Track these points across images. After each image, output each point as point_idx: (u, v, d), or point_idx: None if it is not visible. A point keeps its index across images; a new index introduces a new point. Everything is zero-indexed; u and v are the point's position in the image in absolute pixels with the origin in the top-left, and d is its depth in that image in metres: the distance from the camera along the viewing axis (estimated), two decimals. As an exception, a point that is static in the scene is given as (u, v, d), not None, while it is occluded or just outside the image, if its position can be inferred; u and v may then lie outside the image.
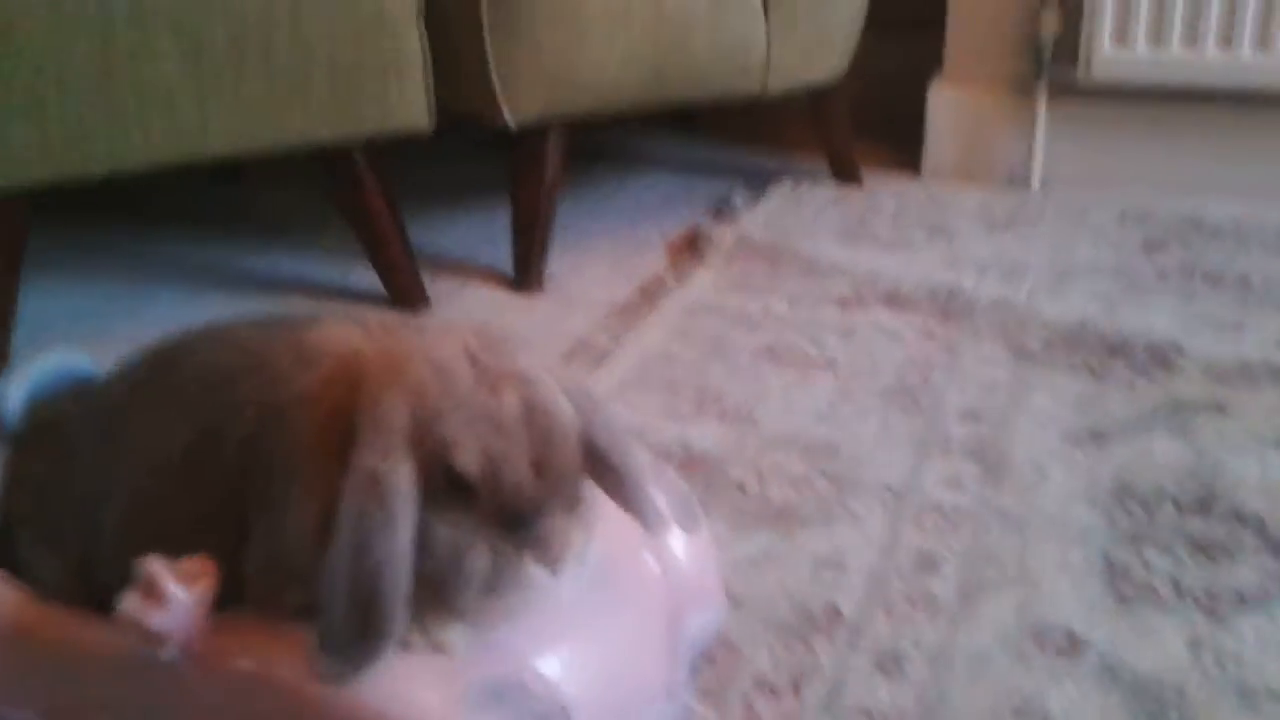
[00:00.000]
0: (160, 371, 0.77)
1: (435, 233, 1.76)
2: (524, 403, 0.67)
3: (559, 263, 1.64)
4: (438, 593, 0.67)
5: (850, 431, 1.22)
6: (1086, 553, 1.02)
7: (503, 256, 1.63)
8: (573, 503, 0.69)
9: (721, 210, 1.84)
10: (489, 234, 1.67)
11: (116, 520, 0.74)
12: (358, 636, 0.65)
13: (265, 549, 0.69)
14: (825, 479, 1.13)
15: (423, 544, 0.66)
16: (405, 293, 1.52)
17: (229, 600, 0.70)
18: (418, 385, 0.66)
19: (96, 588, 0.72)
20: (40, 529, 0.78)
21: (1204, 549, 1.02)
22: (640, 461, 0.75)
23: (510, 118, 1.51)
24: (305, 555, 0.67)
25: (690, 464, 1.16)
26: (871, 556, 1.02)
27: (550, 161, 1.57)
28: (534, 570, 0.67)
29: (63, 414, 0.81)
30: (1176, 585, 0.98)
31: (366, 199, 1.48)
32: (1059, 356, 1.36)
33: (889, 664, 0.90)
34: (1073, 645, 0.91)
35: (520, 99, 1.50)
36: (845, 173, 1.98)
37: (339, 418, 0.67)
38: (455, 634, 0.68)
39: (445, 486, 0.66)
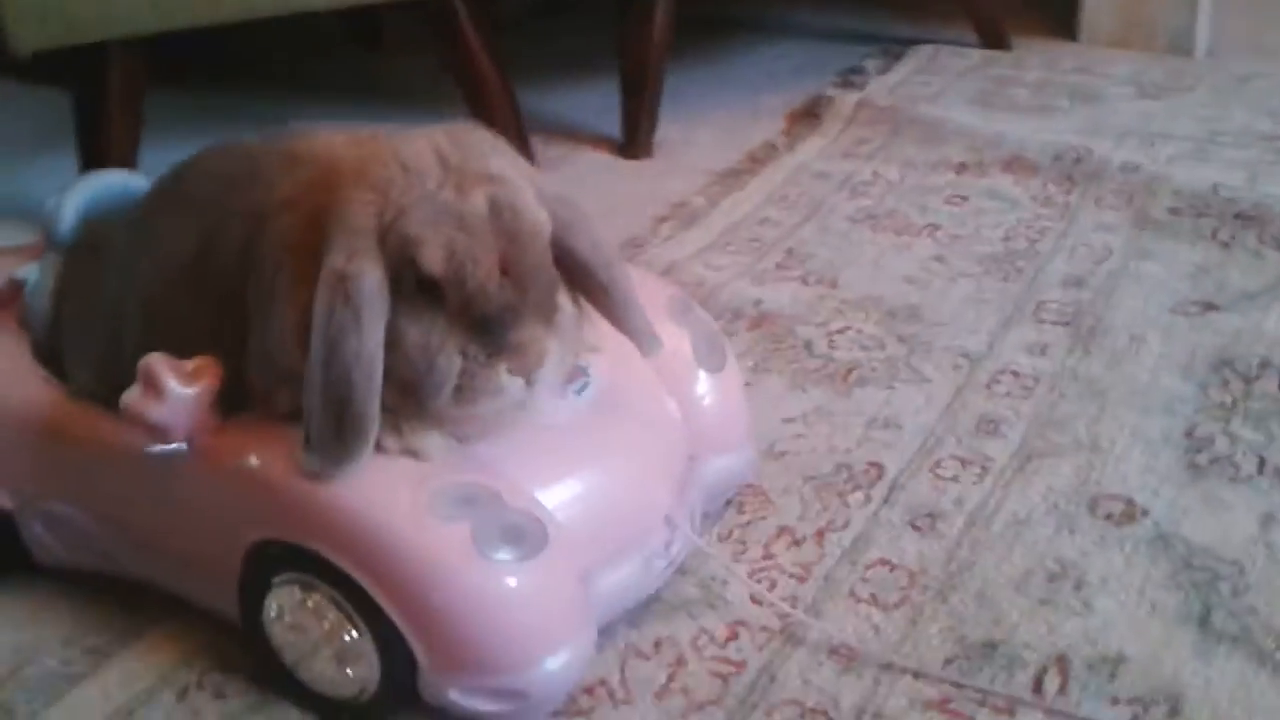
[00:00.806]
0: (177, 182, 0.79)
1: (549, 101, 1.74)
2: (491, 201, 0.66)
3: (673, 130, 1.60)
4: (413, 396, 0.66)
5: (937, 296, 1.16)
6: (1168, 423, 0.94)
7: (615, 125, 1.60)
8: (546, 309, 0.67)
9: (850, 77, 1.76)
10: (605, 103, 1.63)
11: (134, 323, 0.76)
12: (333, 437, 0.65)
13: (259, 351, 0.70)
14: (898, 341, 1.08)
15: (393, 345, 0.65)
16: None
17: (239, 403, 0.72)
18: (384, 185, 0.65)
19: (119, 388, 0.74)
20: (75, 333, 0.81)
21: (1301, 423, 0.93)
22: (627, 277, 0.73)
23: (614, -26, 1.47)
24: (290, 356, 0.67)
25: (759, 321, 1.12)
26: (930, 417, 0.97)
27: (658, 23, 1.52)
28: (507, 378, 0.66)
29: (107, 226, 0.84)
30: (1261, 461, 0.89)
31: (470, 55, 1.46)
32: (1184, 223, 1.26)
33: (922, 521, 0.86)
34: (1129, 513, 0.85)
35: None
36: (991, 38, 1.86)
37: (316, 220, 0.67)
38: (430, 440, 0.68)
39: (415, 287, 0.65)
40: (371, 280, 0.64)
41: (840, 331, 1.10)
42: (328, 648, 0.69)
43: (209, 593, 0.75)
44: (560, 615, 0.69)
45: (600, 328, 0.75)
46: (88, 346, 0.79)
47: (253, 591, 0.71)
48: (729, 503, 0.88)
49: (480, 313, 0.65)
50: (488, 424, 0.69)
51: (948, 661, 0.73)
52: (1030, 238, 1.26)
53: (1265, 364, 1.01)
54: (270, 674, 0.72)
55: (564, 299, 0.69)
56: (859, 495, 0.88)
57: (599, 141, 1.61)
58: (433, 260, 0.64)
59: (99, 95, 1.34)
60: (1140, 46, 1.82)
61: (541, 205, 0.68)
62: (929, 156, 1.47)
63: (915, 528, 0.85)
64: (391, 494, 0.66)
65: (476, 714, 0.68)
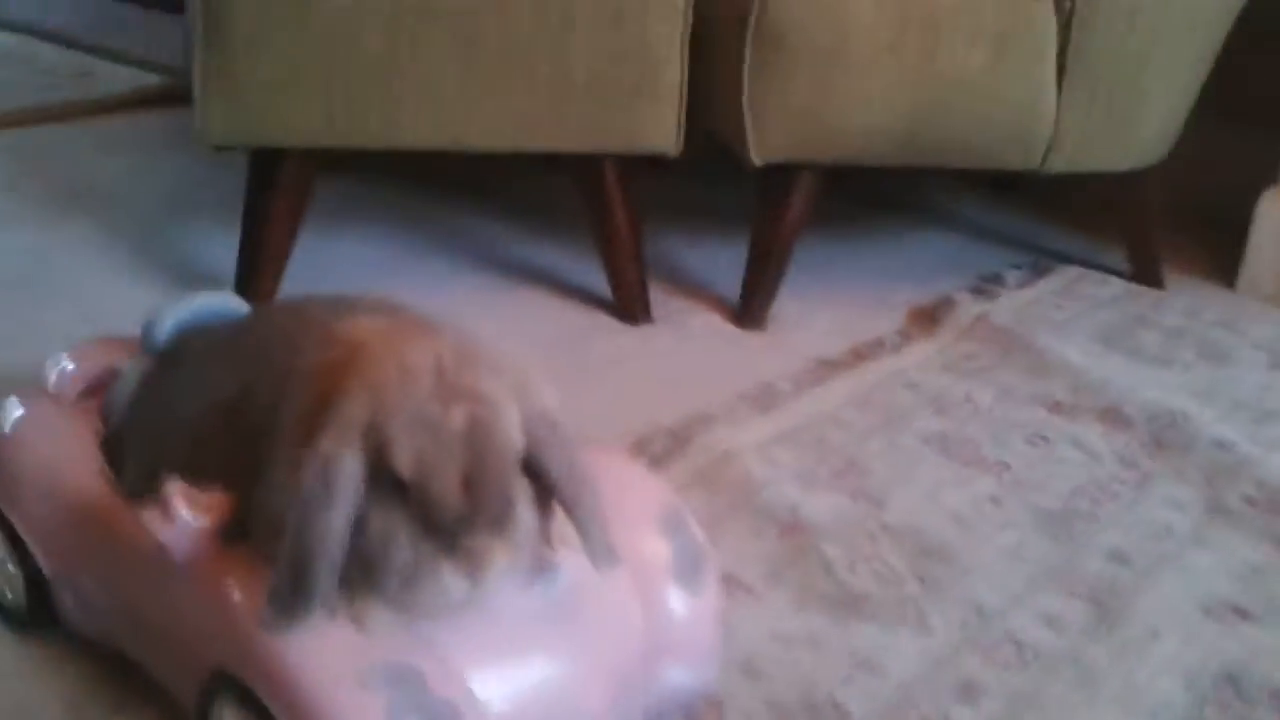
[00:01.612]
0: (243, 328, 0.89)
1: (680, 252, 1.82)
2: (469, 420, 0.72)
3: (792, 306, 1.65)
4: (367, 574, 0.73)
5: (977, 541, 1.16)
6: (1149, 733, 0.93)
7: (737, 289, 1.66)
8: (501, 522, 0.73)
9: (985, 284, 1.78)
10: (733, 263, 1.69)
11: (176, 443, 0.86)
12: (289, 594, 0.73)
13: (262, 502, 0.79)
14: (918, 582, 1.09)
15: (360, 527, 0.73)
16: (629, 305, 1.60)
17: (244, 535, 0.80)
18: (380, 386, 0.73)
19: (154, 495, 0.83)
20: (135, 435, 0.92)
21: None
22: (592, 499, 0.78)
23: (755, 154, 1.54)
24: (281, 513, 0.75)
25: (790, 530, 1.15)
26: (915, 671, 0.98)
27: (794, 203, 1.58)
28: (451, 577, 0.72)
29: (191, 344, 0.95)
30: (1229, 798, 0.87)
31: (609, 209, 1.56)
32: (1255, 518, 1.22)
33: (860, 780, 0.87)
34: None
35: (768, 137, 1.53)
36: (1144, 271, 1.84)
37: (326, 399, 0.75)
38: (374, 614, 0.75)
39: (387, 481, 0.72)
40: (349, 467, 0.72)
41: (866, 559, 1.12)
42: (259, 772, 0.76)
43: (178, 686, 0.83)
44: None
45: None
46: (140, 450, 0.89)
47: (205, 702, 0.79)
48: (685, 716, 0.91)
49: (437, 517, 0.71)
50: (432, 613, 0.75)
51: None
52: (1095, 499, 1.25)
53: (1275, 694, 0.98)
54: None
55: (525, 512, 0.75)
56: (811, 736, 0.91)
57: (716, 304, 1.67)
58: (403, 462, 0.71)
59: (268, 188, 1.49)
60: (1305, 308, 1.78)
61: (521, 426, 0.74)
62: (1029, 388, 1.47)
63: (852, 784, 0.87)
64: (324, 656, 0.73)
65: None
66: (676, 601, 0.87)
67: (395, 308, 0.86)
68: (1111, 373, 1.51)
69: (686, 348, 1.55)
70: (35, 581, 0.93)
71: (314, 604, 0.72)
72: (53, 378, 0.99)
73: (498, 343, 0.78)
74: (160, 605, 0.83)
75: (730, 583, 1.06)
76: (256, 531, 0.79)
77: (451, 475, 0.72)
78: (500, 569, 0.73)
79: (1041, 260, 1.90)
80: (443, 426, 0.72)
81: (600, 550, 0.79)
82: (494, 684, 0.76)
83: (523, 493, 0.76)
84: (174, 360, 0.94)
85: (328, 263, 1.69)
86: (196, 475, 0.81)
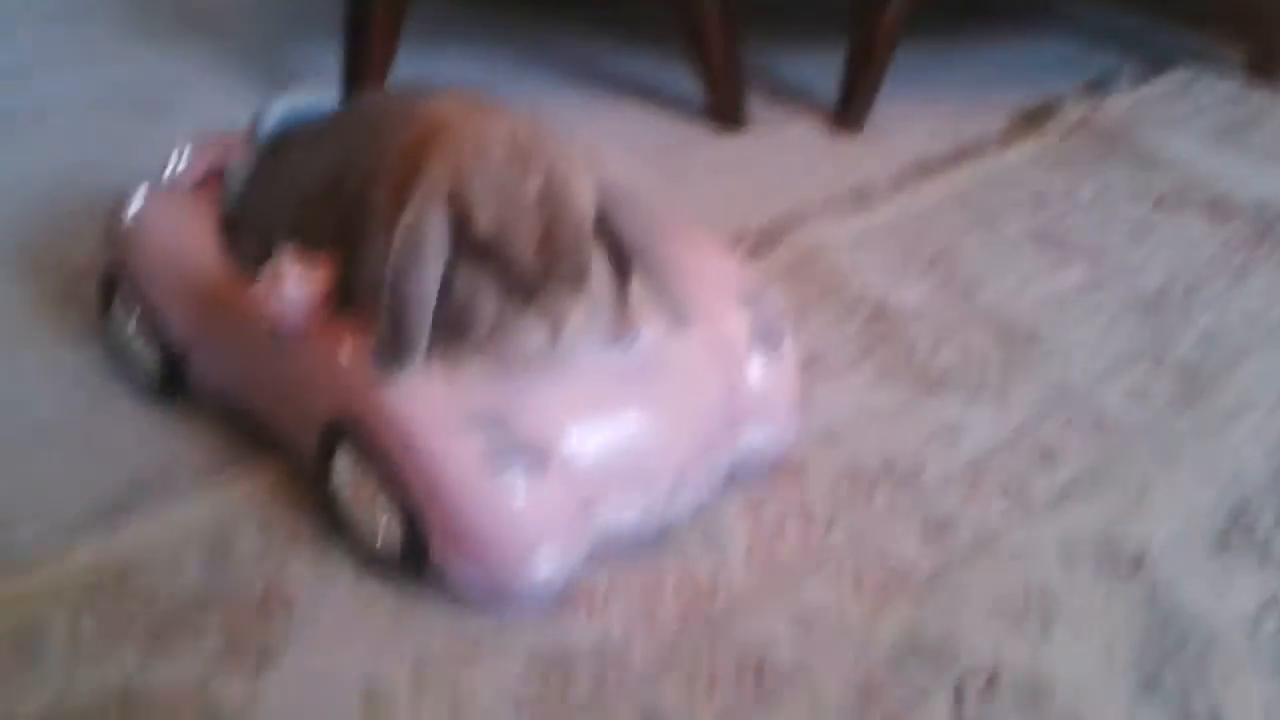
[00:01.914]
0: (341, 117, 0.95)
1: (778, 61, 1.80)
2: (543, 186, 0.77)
3: (894, 110, 1.63)
4: (458, 328, 0.80)
5: (1066, 326, 1.17)
6: (1216, 498, 0.95)
7: (836, 96, 1.65)
8: (576, 281, 0.78)
9: (1095, 84, 1.73)
10: (834, 71, 1.68)
11: (285, 217, 0.92)
12: (392, 344, 0.79)
13: (361, 267, 0.85)
14: (1002, 361, 1.12)
15: (448, 286, 0.78)
16: (726, 113, 1.60)
17: (347, 301, 0.87)
18: (461, 156, 0.78)
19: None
20: (249, 215, 0.98)
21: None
22: (666, 261, 0.83)
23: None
24: (379, 277, 0.81)
25: (876, 316, 1.18)
26: (994, 439, 1.01)
27: (894, 3, 1.56)
28: (531, 330, 0.78)
29: (294, 133, 1.01)
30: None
31: (703, 15, 1.55)
32: (1359, 302, 1.21)
33: (933, 529, 0.91)
34: (1132, 566, 0.88)
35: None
36: (1261, 69, 1.77)
37: (411, 174, 0.80)
38: (467, 365, 0.81)
39: (470, 244, 0.78)
40: (435, 229, 0.77)
41: (951, 341, 1.14)
42: (369, 509, 0.84)
43: (298, 441, 0.91)
44: (551, 532, 0.81)
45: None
46: (253, 228, 0.96)
47: (324, 449, 0.87)
48: (766, 474, 0.96)
49: (516, 275, 0.77)
50: (516, 364, 0.80)
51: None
52: (1191, 285, 1.24)
53: (1358, 460, 0.99)
54: (333, 517, 0.88)
55: (600, 272, 0.80)
56: (886, 491, 0.95)
57: (816, 111, 1.66)
58: (482, 225, 0.77)
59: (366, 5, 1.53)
60: None
61: (594, 193, 0.79)
62: (1133, 183, 1.45)
63: (925, 535, 0.91)
64: (425, 402, 0.80)
65: (470, 594, 0.82)
66: (755, 367, 0.92)
67: (474, 93, 0.90)
68: (1222, 167, 1.48)
69: (783, 153, 1.56)
70: (168, 354, 1.01)
71: (414, 352, 0.79)
72: (174, 170, 1.06)
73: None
74: (278, 367, 0.90)
75: (814, 364, 1.10)
76: (358, 294, 0.85)
77: (527, 236, 0.77)
78: (576, 324, 0.79)
79: (1156, 61, 1.84)
80: (518, 192, 0.77)
81: (676, 308, 0.84)
82: (580, 433, 0.82)
83: (597, 254, 0.80)
84: (281, 148, 1.00)
85: (428, 79, 1.72)
86: (304, 246, 0.87)
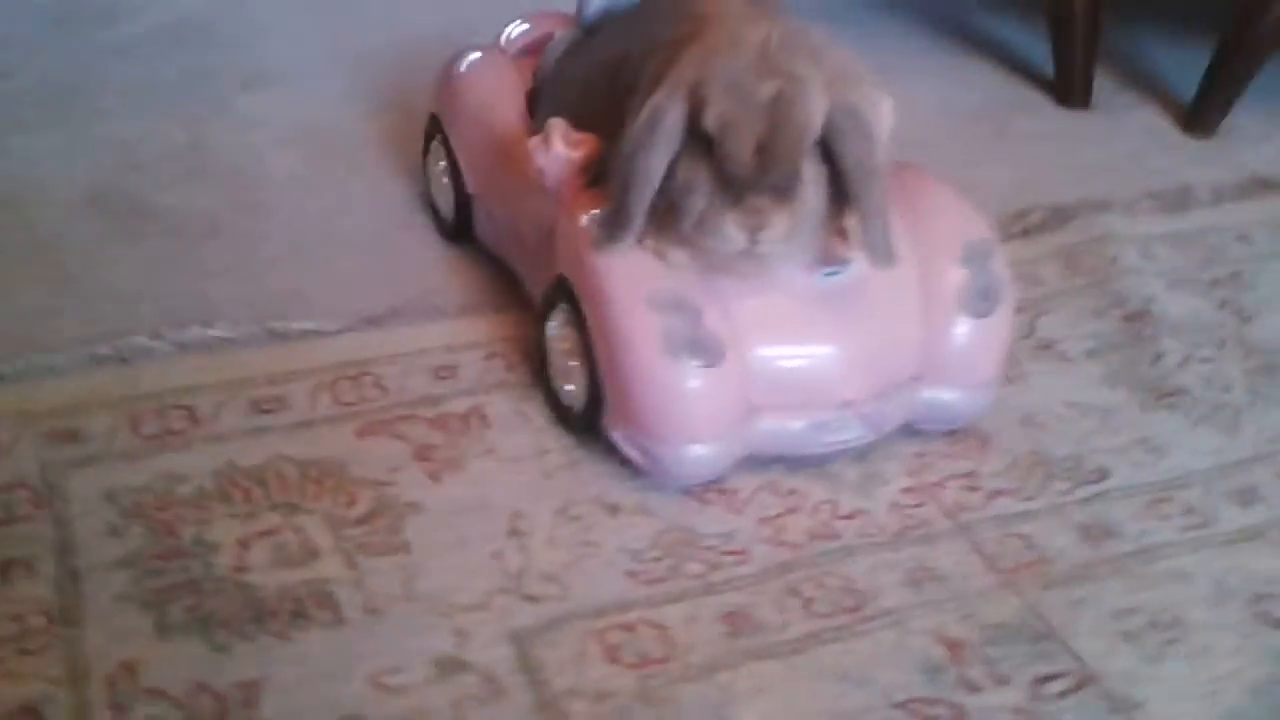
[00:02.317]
0: (637, 10, 1.04)
1: (1142, 47, 1.71)
2: (776, 94, 0.82)
3: (1252, 122, 1.50)
4: (670, 214, 0.87)
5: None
6: None
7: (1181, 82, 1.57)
8: (785, 191, 0.83)
9: None
10: (1198, 66, 1.58)
11: (570, 95, 1.03)
12: (613, 219, 0.88)
13: (615, 147, 0.93)
14: (1247, 394, 1.06)
15: (671, 172, 0.86)
16: (1067, 86, 1.56)
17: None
18: (711, 53, 0.85)
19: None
20: (550, 88, 1.10)
21: None
22: (880, 196, 0.86)
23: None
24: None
25: (1135, 317, 1.14)
26: (1202, 465, 0.98)
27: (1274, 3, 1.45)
28: (733, 228, 0.83)
29: (608, 21, 1.10)
30: None
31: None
32: None
33: (1097, 531, 0.91)
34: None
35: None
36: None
37: (671, 63, 0.88)
38: (673, 251, 0.88)
39: (698, 136, 0.84)
40: (671, 117, 0.84)
41: (1204, 360, 1.10)
42: (566, 366, 0.95)
43: (533, 290, 1.03)
44: (713, 423, 0.88)
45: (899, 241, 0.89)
46: (549, 100, 1.07)
47: (547, 304, 0.97)
48: (951, 435, 0.98)
49: (729, 173, 0.83)
50: (719, 262, 0.87)
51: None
52: None
53: None
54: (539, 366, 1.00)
55: (811, 189, 0.84)
56: (1063, 484, 0.95)
57: (1167, 104, 1.58)
58: (710, 120, 0.83)
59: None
60: None
61: (825, 113, 0.83)
62: None
63: (1083, 531, 0.91)
64: (624, 277, 0.88)
65: (628, 458, 0.91)
66: (960, 326, 0.94)
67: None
68: None
69: (1115, 139, 1.51)
70: (461, 198, 1.15)
71: (629, 230, 0.87)
72: (505, 37, 1.19)
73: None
74: (532, 221, 1.01)
75: (1049, 346, 1.10)
76: (609, 172, 0.94)
77: (748, 138, 0.82)
78: (777, 232, 0.84)
79: None
80: (751, 95, 0.82)
81: (879, 247, 0.87)
82: (761, 342, 0.88)
83: (817, 175, 0.85)
84: (593, 31, 1.10)
85: None
86: (579, 123, 0.97)
